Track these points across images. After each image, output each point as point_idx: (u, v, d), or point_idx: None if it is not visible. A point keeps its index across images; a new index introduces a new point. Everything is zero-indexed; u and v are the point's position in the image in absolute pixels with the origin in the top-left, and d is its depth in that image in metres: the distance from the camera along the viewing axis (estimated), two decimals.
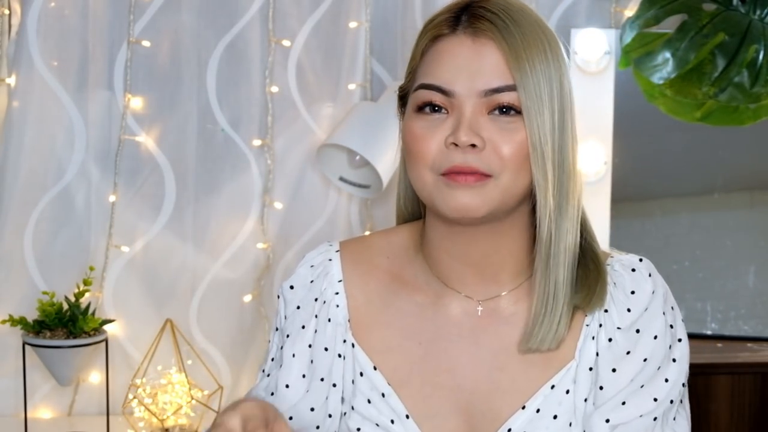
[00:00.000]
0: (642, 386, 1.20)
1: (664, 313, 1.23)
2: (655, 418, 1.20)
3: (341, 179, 2.38)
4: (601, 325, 1.22)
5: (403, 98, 1.24)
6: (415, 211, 1.31)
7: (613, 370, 1.21)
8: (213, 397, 2.36)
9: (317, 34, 2.41)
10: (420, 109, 1.18)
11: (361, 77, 2.43)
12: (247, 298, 2.44)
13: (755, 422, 2.53)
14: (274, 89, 2.41)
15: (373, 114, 2.30)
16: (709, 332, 2.60)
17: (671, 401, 1.21)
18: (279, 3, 2.39)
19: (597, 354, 1.22)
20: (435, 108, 1.17)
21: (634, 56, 2.27)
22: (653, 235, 2.70)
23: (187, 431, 2.31)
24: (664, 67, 2.23)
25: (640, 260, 1.26)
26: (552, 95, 1.16)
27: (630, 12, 2.36)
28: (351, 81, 2.42)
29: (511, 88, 1.15)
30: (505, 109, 1.15)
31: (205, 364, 2.39)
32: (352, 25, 2.40)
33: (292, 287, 1.29)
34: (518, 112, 1.15)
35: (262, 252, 2.44)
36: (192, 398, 2.29)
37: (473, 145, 1.14)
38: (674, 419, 1.22)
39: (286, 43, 2.40)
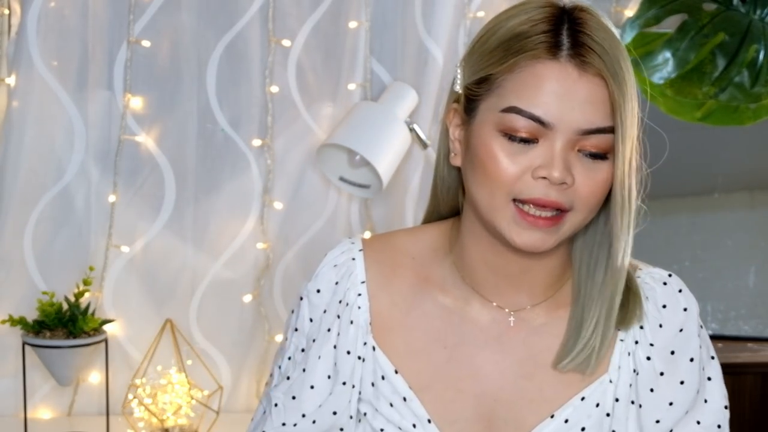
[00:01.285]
0: (687, 412, 1.20)
1: (698, 335, 1.23)
2: None
3: (341, 179, 2.38)
4: (637, 342, 1.21)
5: (470, 100, 1.16)
6: (453, 209, 1.28)
7: (651, 390, 1.20)
8: (213, 397, 2.35)
9: (317, 34, 2.41)
10: (508, 135, 1.12)
11: (361, 77, 2.42)
12: (247, 298, 2.44)
13: (755, 422, 2.53)
14: (274, 89, 2.40)
15: (373, 114, 2.30)
16: (709, 332, 2.59)
17: (719, 426, 1.20)
18: (279, 3, 2.39)
19: (634, 371, 1.21)
20: (524, 140, 1.11)
21: (635, 56, 2.27)
22: (653, 235, 2.70)
23: (187, 431, 2.31)
24: (665, 66, 2.23)
25: (669, 275, 1.24)
26: (636, 132, 1.14)
27: (630, 12, 2.35)
28: (351, 81, 2.42)
29: (610, 130, 1.11)
30: (596, 154, 1.12)
31: (205, 364, 2.39)
32: (352, 25, 2.40)
33: (319, 291, 1.27)
34: (606, 155, 1.12)
35: (262, 252, 2.44)
36: (192, 398, 2.29)
37: (563, 183, 1.11)
38: None
39: (286, 43, 2.40)
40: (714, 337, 2.62)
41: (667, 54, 2.23)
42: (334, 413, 1.25)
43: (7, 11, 2.33)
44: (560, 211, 1.11)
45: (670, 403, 1.20)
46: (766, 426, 2.52)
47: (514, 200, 1.12)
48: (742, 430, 2.52)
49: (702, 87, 2.23)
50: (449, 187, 1.27)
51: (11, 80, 2.33)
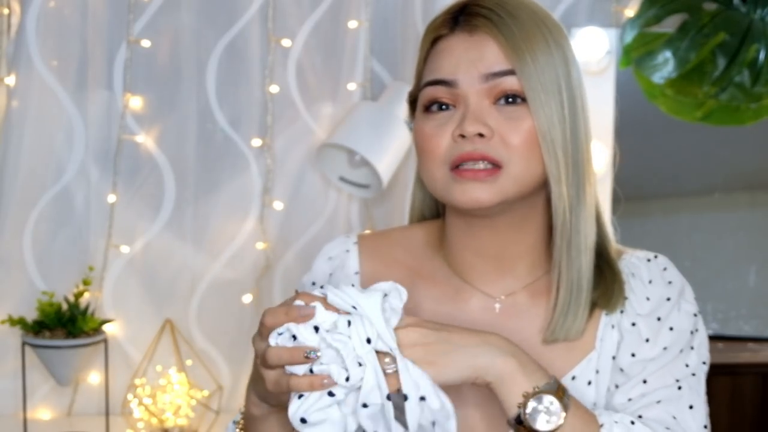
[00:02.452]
0: (663, 367, 1.21)
1: (682, 305, 1.24)
2: (680, 387, 1.20)
3: (341, 179, 2.37)
4: (622, 312, 1.23)
5: (413, 103, 1.24)
6: (433, 216, 1.32)
7: (633, 355, 1.21)
8: (213, 397, 2.35)
9: (317, 34, 2.41)
10: (427, 108, 1.18)
11: (361, 77, 2.42)
12: (247, 298, 2.44)
13: (755, 422, 2.52)
14: (274, 89, 2.40)
15: (372, 114, 2.30)
16: (710, 332, 2.60)
17: (693, 374, 1.21)
18: (279, 3, 2.39)
19: (619, 341, 1.22)
20: (442, 106, 1.17)
21: (635, 56, 2.27)
22: (653, 235, 2.70)
23: (187, 431, 2.31)
24: (665, 66, 2.23)
25: (655, 256, 1.27)
26: (558, 84, 1.16)
27: (631, 11, 2.35)
28: (351, 81, 2.42)
29: (511, 72, 1.15)
30: (510, 99, 1.15)
31: (204, 364, 2.39)
32: (352, 24, 2.40)
33: (314, 283, 1.29)
34: (523, 100, 1.15)
35: (261, 252, 2.44)
36: (192, 398, 2.29)
37: (481, 135, 1.14)
38: (691, 408, 1.21)
39: (286, 42, 2.40)
40: (714, 337, 2.62)
41: (668, 54, 2.23)
42: None
43: (6, 11, 2.33)
44: (494, 166, 1.15)
45: (651, 359, 1.21)
46: (766, 426, 2.52)
47: (451, 168, 1.16)
48: (742, 430, 2.52)
49: (702, 87, 2.23)
50: (429, 202, 1.32)
51: (11, 80, 2.33)
